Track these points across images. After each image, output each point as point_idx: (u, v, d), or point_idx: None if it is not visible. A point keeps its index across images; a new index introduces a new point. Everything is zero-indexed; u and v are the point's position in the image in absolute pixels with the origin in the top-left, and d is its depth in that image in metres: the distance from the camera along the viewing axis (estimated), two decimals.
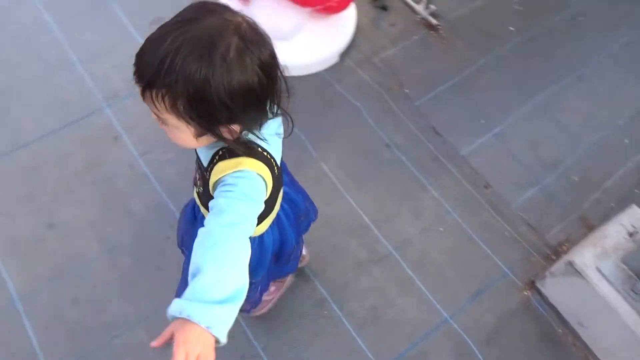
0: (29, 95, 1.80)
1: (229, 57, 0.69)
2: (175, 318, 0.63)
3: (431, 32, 2.14)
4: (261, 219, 0.95)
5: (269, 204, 0.95)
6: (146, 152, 1.72)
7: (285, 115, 0.84)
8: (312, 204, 1.28)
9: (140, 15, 2.05)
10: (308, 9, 1.78)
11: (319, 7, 1.75)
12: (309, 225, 1.29)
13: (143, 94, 0.73)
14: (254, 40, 0.72)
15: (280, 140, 0.89)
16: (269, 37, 0.76)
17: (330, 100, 1.92)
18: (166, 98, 0.70)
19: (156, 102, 0.71)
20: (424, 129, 1.87)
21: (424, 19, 2.16)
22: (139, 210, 1.61)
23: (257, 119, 0.79)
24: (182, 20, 0.71)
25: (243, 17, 0.74)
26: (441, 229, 1.66)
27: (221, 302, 0.65)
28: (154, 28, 0.74)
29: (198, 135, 0.76)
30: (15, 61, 1.87)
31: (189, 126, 0.74)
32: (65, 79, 1.86)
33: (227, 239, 0.71)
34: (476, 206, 1.71)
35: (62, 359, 1.37)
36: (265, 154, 0.83)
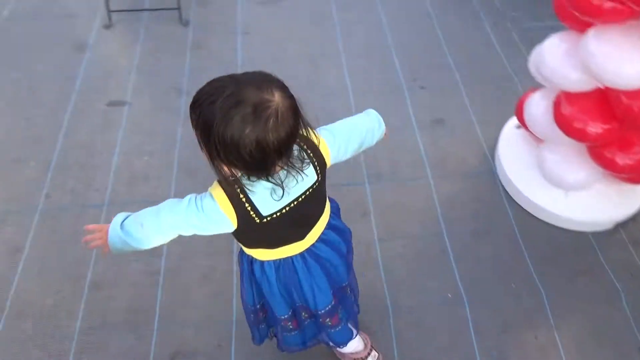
0: None
1: (235, 117, 0.82)
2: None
3: None
4: (249, 244, 1.10)
5: (253, 237, 1.07)
6: (386, 239, 1.77)
7: (279, 186, 0.93)
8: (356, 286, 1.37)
9: (425, 113, 2.16)
10: (607, 171, 1.65)
11: (624, 175, 1.60)
12: (354, 302, 1.35)
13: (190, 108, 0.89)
14: (266, 122, 0.82)
15: (274, 199, 0.96)
16: (289, 135, 0.86)
17: (588, 267, 1.72)
18: (193, 122, 0.88)
19: (190, 120, 0.89)
20: None
21: None
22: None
23: (246, 173, 0.91)
24: (239, 79, 0.86)
25: (282, 102, 0.84)
26: None
27: (126, 233, 1.01)
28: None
29: (209, 160, 0.91)
30: (313, 116, 2.14)
31: (203, 150, 0.90)
32: None
33: (160, 217, 1.00)
34: None
35: None
36: (242, 197, 0.95)
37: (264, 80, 0.86)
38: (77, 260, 1.72)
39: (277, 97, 0.84)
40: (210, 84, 0.86)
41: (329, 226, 1.15)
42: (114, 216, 1.05)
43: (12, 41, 2.51)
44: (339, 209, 1.25)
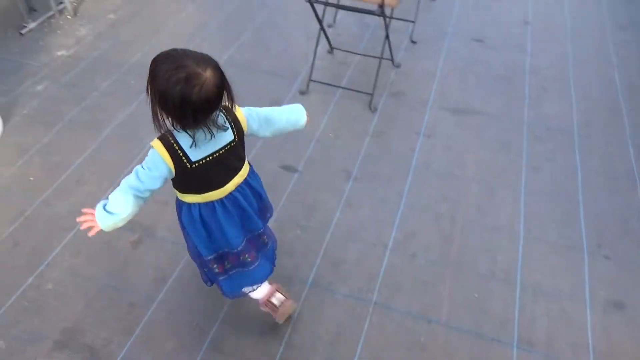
0: (464, 280, 1.89)
1: (172, 78, 1.14)
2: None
3: None
4: (183, 189, 1.41)
5: (187, 182, 1.37)
6: None
7: (191, 137, 1.26)
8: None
9: (604, 289, 1.88)
10: None
11: None
12: (271, 248, 1.66)
13: None
14: (192, 87, 1.15)
15: (208, 144, 1.30)
16: (207, 100, 1.18)
17: None
18: (149, 73, 1.20)
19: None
20: None
21: None
22: None
23: (173, 120, 1.22)
24: (187, 53, 1.19)
25: (210, 79, 1.17)
26: None
27: (108, 212, 1.32)
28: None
29: (151, 104, 1.22)
30: (469, 260, 2.01)
31: (148, 96, 1.22)
32: (499, 292, 1.86)
33: (123, 190, 1.32)
34: None
35: None
36: (175, 146, 1.28)
37: (204, 60, 1.18)
38: (207, 311, 1.77)
39: (207, 74, 1.17)
40: (169, 51, 1.20)
41: (247, 184, 1.47)
42: None
43: None
44: (260, 180, 1.57)
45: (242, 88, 2.77)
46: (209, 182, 1.39)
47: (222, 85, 1.22)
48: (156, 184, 1.32)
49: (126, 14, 3.32)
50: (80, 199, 2.13)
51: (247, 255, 1.54)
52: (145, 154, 1.31)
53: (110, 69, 2.85)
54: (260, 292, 1.66)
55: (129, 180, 1.33)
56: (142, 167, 1.32)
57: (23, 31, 3.08)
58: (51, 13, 3.22)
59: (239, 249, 1.50)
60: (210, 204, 1.42)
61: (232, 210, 1.45)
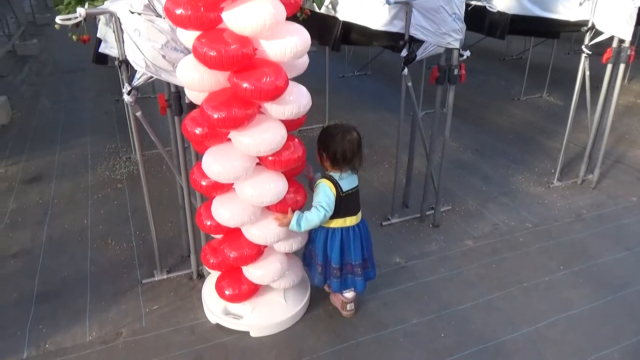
0: None
1: (334, 132, 2.15)
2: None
3: None
4: (333, 215, 2.18)
5: (339, 207, 2.17)
6: None
7: (340, 174, 2.17)
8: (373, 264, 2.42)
9: None
10: None
11: None
12: (370, 269, 2.40)
13: None
14: (344, 139, 2.12)
15: (349, 180, 2.19)
16: (351, 149, 2.12)
17: None
18: (320, 138, 2.25)
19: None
20: None
21: None
22: None
23: (331, 162, 2.15)
24: (345, 124, 2.29)
25: (355, 136, 2.14)
26: None
27: (297, 222, 2.11)
28: None
29: (320, 154, 2.21)
30: None
31: (319, 150, 2.22)
32: None
33: (316, 215, 2.14)
34: None
35: None
36: (331, 177, 2.16)
37: (352, 127, 2.15)
38: None
39: (354, 134, 2.13)
40: (332, 125, 2.22)
41: (362, 221, 2.29)
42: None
43: None
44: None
45: None
46: (349, 209, 2.21)
47: (361, 144, 2.14)
48: (331, 202, 2.12)
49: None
50: None
51: (359, 269, 2.28)
52: None
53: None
54: (349, 296, 2.41)
55: (316, 218, 2.11)
56: (320, 202, 2.12)
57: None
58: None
59: (357, 262, 2.27)
60: (347, 228, 2.23)
61: (357, 235, 2.24)
